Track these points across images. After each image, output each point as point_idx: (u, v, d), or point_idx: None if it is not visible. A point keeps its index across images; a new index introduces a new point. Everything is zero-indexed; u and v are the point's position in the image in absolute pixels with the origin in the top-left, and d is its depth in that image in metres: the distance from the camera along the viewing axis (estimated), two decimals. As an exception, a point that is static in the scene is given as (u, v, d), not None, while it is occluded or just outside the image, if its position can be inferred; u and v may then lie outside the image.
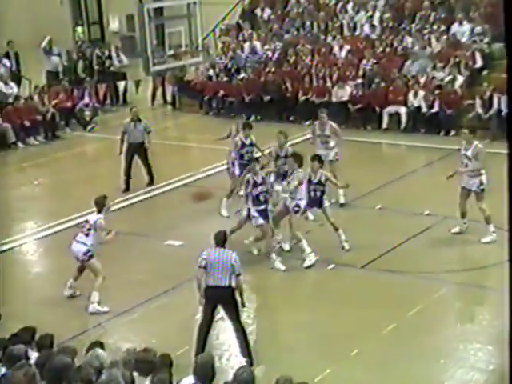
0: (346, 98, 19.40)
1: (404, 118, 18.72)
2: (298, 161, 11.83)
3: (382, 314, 9.86)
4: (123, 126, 15.19)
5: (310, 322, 9.81)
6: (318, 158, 11.99)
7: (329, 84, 19.89)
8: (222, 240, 8.86)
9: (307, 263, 11.27)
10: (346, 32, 21.59)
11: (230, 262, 8.63)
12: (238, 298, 8.77)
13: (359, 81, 19.67)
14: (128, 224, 13.46)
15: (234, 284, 8.67)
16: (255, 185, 11.21)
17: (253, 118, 20.47)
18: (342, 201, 13.44)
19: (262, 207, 11.19)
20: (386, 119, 18.94)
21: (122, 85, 22.61)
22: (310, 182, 11.66)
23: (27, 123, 19.03)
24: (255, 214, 11.13)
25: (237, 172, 13.13)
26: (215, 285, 8.63)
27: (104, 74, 22.36)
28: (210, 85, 21.54)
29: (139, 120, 15.12)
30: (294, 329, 9.70)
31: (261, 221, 11.17)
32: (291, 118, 20.16)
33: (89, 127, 20.34)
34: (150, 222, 13.58)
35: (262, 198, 11.20)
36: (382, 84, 19.18)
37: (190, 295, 10.76)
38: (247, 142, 13.57)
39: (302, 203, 11.49)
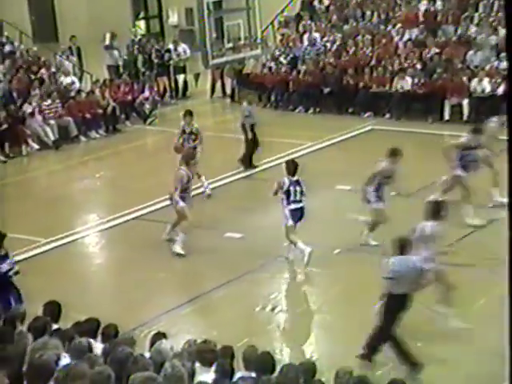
0: (406, 88, 19.19)
1: (466, 110, 18.42)
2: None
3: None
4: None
5: (364, 316, 9.75)
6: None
7: (389, 74, 19.72)
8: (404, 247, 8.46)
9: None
10: (407, 21, 21.31)
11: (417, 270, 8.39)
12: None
13: (420, 70, 19.42)
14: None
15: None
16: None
17: (312, 109, 20.44)
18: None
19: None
20: (447, 110, 18.67)
21: (181, 78, 22.80)
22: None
23: (88, 116, 19.37)
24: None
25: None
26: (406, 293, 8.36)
27: (163, 67, 22.56)
28: (269, 77, 21.56)
29: None
30: (343, 322, 9.64)
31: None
32: (350, 110, 20.04)
33: (149, 120, 20.58)
34: (209, 214, 13.65)
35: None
36: (444, 74, 18.90)
37: (249, 287, 10.86)
38: (187, 129, 14.15)
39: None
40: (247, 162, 15.81)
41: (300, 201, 11.19)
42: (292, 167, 11.43)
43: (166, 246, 12.15)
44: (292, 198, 11.16)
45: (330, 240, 12.01)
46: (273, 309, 10.17)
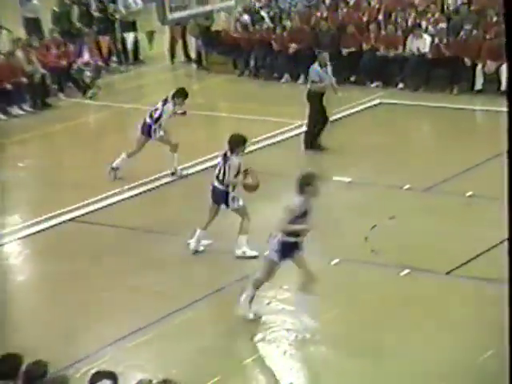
0: (425, 50, 19.23)
1: (504, 77, 18.46)
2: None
3: (474, 337, 9.74)
4: None
5: (377, 343, 9.74)
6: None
7: (402, 32, 19.76)
8: None
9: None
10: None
11: None
12: None
13: (443, 26, 19.47)
14: (140, 218, 13.51)
15: None
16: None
17: (302, 78, 20.40)
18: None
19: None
20: (480, 78, 18.72)
21: (130, 37, 22.69)
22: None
23: (9, 87, 19.20)
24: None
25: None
26: None
27: (107, 23, 22.42)
28: (246, 37, 21.50)
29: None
30: (353, 351, 9.63)
31: None
32: (352, 79, 20.05)
33: (89, 92, 20.46)
34: (170, 215, 13.61)
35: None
36: (475, 31, 18.95)
37: (222, 309, 10.80)
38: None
39: None
40: (309, 141, 15.86)
41: (220, 181, 11.75)
42: (232, 143, 11.80)
43: (111, 256, 12.07)
44: (215, 174, 11.85)
45: (326, 248, 11.99)
46: (252, 337, 10.14)
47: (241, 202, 11.80)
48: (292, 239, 9.90)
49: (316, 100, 15.86)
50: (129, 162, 14.71)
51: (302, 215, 9.84)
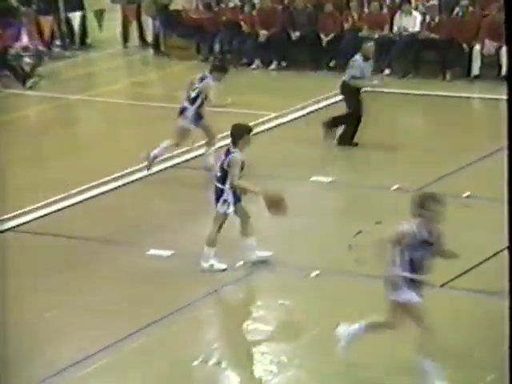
0: (414, 30, 19.29)
1: (506, 60, 18.58)
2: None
3: (474, 357, 9.77)
4: None
5: (363, 366, 9.76)
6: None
7: (388, 10, 19.85)
8: None
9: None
10: None
11: None
12: None
13: (435, 2, 19.57)
14: (93, 226, 13.47)
15: None
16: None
17: (274, 64, 20.43)
18: None
19: None
20: (477, 62, 18.81)
21: (76, 18, 22.62)
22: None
23: None
24: None
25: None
26: None
27: (48, 1, 22.33)
28: (210, 17, 21.49)
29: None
30: (336, 376, 9.64)
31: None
32: (332, 64, 20.10)
33: (30, 82, 20.37)
34: (124, 222, 13.58)
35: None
36: (471, 8, 19.06)
37: (183, 331, 10.78)
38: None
39: None
40: (347, 137, 15.80)
41: (220, 181, 11.65)
42: (235, 134, 11.73)
43: (58, 272, 12.03)
44: (216, 172, 11.88)
45: (304, 258, 12.02)
46: (219, 362, 10.13)
47: (228, 211, 11.62)
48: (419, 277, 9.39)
49: (355, 95, 15.69)
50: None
51: (425, 242, 9.31)
